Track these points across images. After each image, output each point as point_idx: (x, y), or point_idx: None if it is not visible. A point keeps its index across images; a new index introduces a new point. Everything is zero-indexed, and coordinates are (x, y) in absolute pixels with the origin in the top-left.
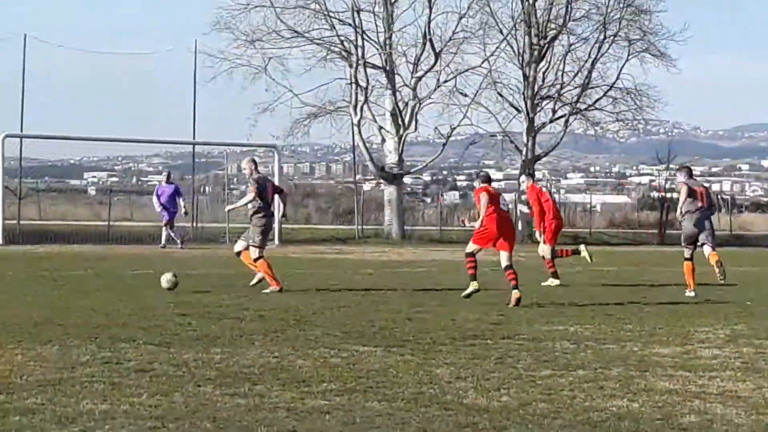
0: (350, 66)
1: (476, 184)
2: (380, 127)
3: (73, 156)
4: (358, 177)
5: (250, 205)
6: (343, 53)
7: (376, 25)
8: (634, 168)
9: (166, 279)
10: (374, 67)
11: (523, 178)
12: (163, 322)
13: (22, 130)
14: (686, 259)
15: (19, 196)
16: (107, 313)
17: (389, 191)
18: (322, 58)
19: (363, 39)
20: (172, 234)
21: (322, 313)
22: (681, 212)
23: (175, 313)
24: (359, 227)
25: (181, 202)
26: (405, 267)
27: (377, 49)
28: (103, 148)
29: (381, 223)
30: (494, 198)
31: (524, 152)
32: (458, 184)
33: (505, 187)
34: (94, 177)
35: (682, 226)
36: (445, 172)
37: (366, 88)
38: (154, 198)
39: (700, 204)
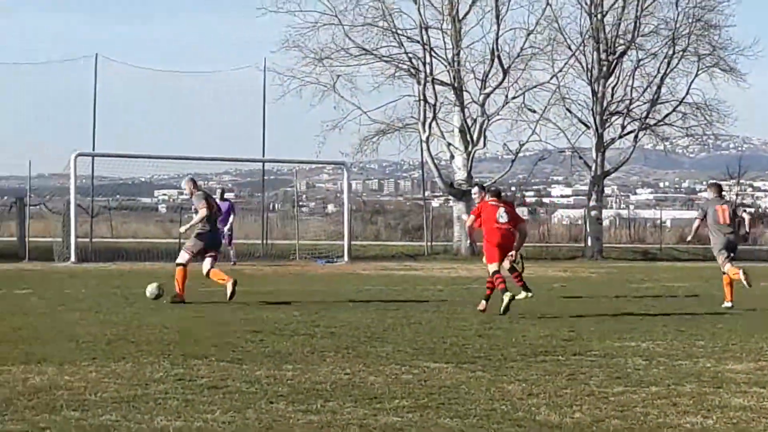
0: (418, 83)
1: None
2: (449, 144)
3: (143, 174)
4: (426, 193)
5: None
6: (412, 70)
7: (444, 42)
8: (704, 183)
9: (150, 290)
10: (442, 83)
11: (474, 189)
12: (234, 338)
13: (93, 149)
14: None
15: (92, 214)
16: (179, 330)
17: (458, 207)
18: (391, 75)
19: (431, 56)
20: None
21: (393, 330)
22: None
23: (247, 329)
24: (428, 243)
25: (231, 219)
26: (475, 283)
27: (445, 66)
28: (173, 166)
29: (450, 239)
30: (490, 212)
31: (593, 168)
32: (527, 200)
33: (574, 203)
34: (165, 195)
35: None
36: (513, 189)
37: (434, 105)
38: None
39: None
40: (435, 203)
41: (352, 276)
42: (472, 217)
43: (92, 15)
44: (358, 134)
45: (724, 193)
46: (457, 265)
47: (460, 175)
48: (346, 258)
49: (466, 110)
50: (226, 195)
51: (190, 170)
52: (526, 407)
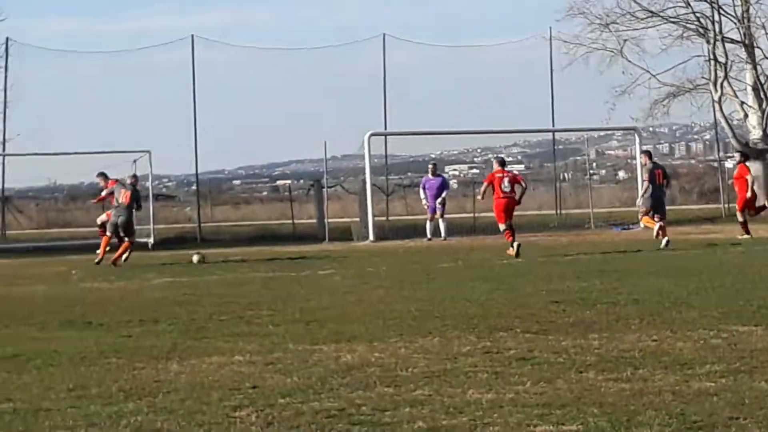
0: (708, 42)
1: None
2: (742, 103)
3: (433, 151)
4: (720, 155)
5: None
6: (700, 30)
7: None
8: None
9: (195, 258)
10: (732, 41)
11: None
12: (537, 310)
13: (385, 128)
14: None
15: (387, 192)
16: (482, 303)
17: (754, 167)
18: (679, 37)
19: (720, 14)
20: (442, 227)
21: (697, 294)
22: None
23: (549, 300)
24: (725, 206)
25: (444, 194)
26: None
27: (735, 23)
28: (462, 141)
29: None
30: (497, 182)
31: None
32: None
33: None
34: (455, 170)
35: None
36: None
37: (725, 64)
38: (421, 191)
39: None
40: (729, 164)
41: (649, 242)
42: (485, 184)
43: None
44: (648, 98)
45: None
46: (756, 225)
47: (755, 134)
48: (641, 224)
49: (758, 67)
50: (438, 171)
51: (478, 145)
52: None
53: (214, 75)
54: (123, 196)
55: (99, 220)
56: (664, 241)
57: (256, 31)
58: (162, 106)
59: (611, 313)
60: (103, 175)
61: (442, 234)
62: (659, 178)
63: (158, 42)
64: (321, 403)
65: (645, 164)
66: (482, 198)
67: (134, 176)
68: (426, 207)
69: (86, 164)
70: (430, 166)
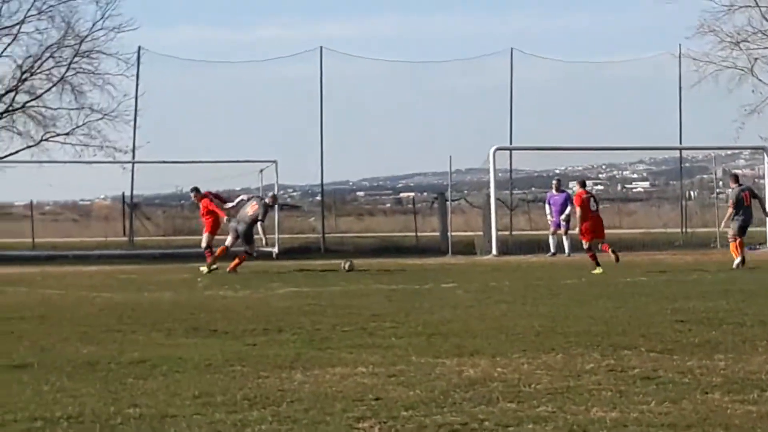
0: None
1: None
2: None
3: (557, 166)
4: None
5: None
6: None
7: None
8: None
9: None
10: None
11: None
12: (661, 329)
13: (511, 143)
14: None
15: (511, 207)
16: (606, 320)
17: None
18: None
19: None
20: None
21: None
22: None
23: (674, 319)
24: None
25: (568, 210)
26: None
27: None
28: (586, 157)
29: None
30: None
31: None
32: None
33: None
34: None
35: None
36: None
37: None
38: (546, 206)
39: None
40: None
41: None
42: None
43: (503, 11)
44: None
45: None
46: None
47: None
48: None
49: None
50: (562, 187)
51: (603, 161)
52: None
53: (341, 86)
54: (251, 208)
55: (204, 243)
56: (737, 261)
57: (384, 43)
58: (289, 117)
59: (737, 334)
60: (196, 190)
61: (566, 250)
62: (747, 200)
63: (287, 53)
64: (444, 417)
65: (732, 188)
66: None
67: (274, 196)
68: (550, 222)
69: (214, 172)
70: (555, 181)
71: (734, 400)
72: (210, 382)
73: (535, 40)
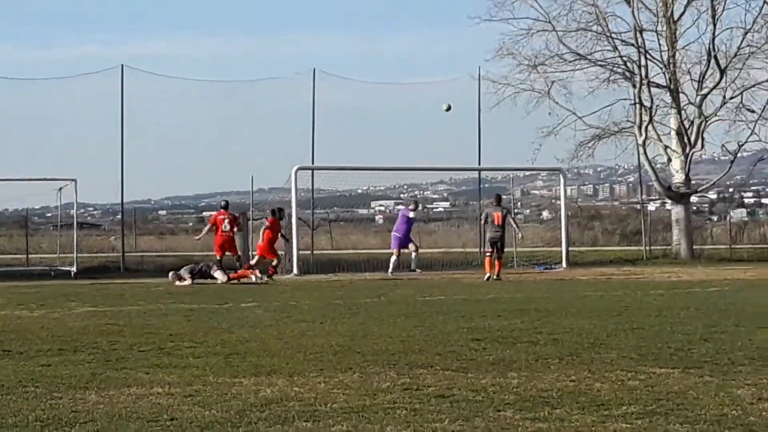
0: (633, 86)
1: None
2: (665, 147)
3: (360, 186)
4: (642, 197)
5: None
6: (626, 74)
7: (659, 44)
8: None
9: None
10: (658, 86)
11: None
12: (457, 347)
13: (312, 163)
14: None
15: (312, 226)
16: (403, 339)
17: (676, 211)
18: (605, 80)
19: (646, 59)
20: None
21: (616, 336)
22: None
23: (470, 338)
24: (647, 248)
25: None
26: (696, 287)
27: (661, 69)
28: (389, 177)
29: (669, 243)
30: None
31: None
32: (745, 201)
33: None
34: (381, 206)
35: None
36: (731, 190)
37: (650, 108)
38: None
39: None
40: (651, 207)
41: (571, 282)
42: None
43: (309, 32)
44: (573, 140)
45: None
46: (677, 269)
47: (677, 178)
48: (564, 264)
49: (682, 112)
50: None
51: (404, 181)
52: (757, 412)
53: (144, 105)
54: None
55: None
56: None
57: (197, 63)
58: (90, 135)
59: (531, 353)
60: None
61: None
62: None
63: (88, 71)
64: None
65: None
66: None
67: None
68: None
69: (10, 191)
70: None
71: (525, 418)
72: (2, 404)
73: (342, 61)
